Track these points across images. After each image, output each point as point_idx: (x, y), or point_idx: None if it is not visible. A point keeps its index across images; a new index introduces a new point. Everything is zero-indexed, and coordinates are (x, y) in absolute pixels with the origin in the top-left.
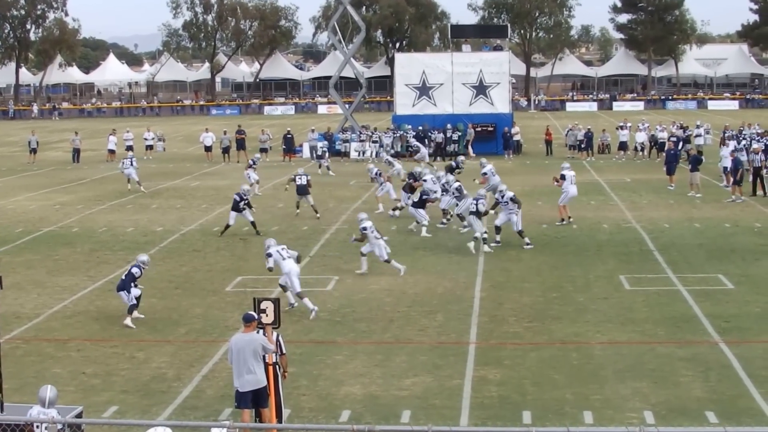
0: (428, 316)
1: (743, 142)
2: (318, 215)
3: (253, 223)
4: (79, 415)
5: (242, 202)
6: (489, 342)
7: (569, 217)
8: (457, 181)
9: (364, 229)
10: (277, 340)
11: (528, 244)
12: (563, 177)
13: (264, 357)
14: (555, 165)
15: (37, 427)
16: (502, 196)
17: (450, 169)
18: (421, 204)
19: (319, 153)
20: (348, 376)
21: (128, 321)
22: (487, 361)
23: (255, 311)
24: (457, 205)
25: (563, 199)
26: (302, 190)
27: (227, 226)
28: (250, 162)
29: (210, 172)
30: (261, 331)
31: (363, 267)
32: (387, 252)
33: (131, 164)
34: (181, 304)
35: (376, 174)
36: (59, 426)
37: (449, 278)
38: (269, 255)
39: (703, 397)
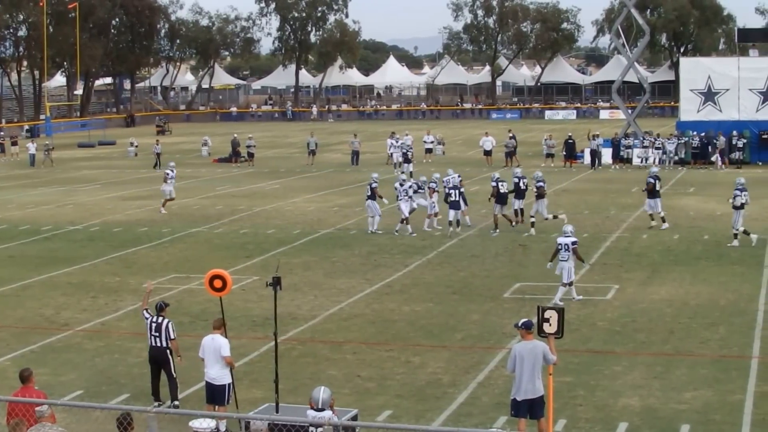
0: (710, 328)
1: None
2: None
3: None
4: (354, 418)
5: None
6: None
7: None
8: None
9: None
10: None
11: None
12: None
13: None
14: None
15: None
16: None
17: None
18: None
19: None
20: (626, 387)
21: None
22: None
23: (538, 319)
24: None
25: None
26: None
27: None
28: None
29: (489, 177)
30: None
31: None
32: None
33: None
34: (458, 310)
35: None
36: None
37: (732, 290)
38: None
39: None
